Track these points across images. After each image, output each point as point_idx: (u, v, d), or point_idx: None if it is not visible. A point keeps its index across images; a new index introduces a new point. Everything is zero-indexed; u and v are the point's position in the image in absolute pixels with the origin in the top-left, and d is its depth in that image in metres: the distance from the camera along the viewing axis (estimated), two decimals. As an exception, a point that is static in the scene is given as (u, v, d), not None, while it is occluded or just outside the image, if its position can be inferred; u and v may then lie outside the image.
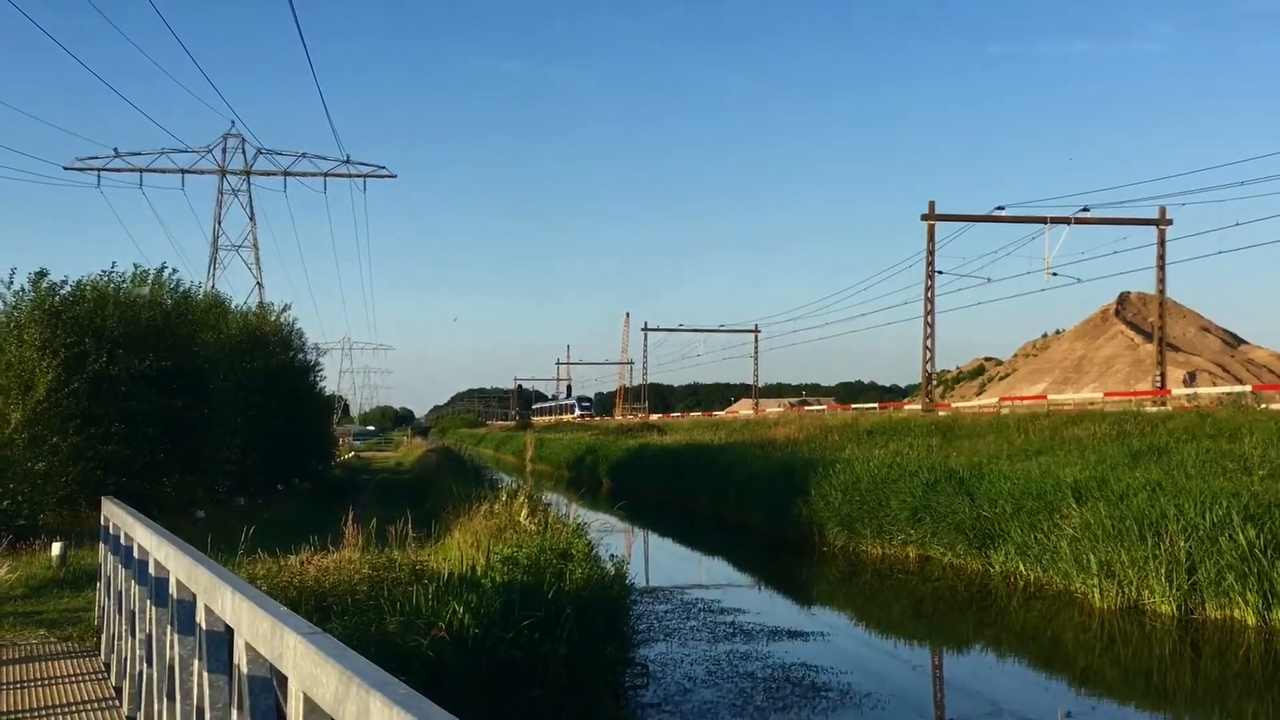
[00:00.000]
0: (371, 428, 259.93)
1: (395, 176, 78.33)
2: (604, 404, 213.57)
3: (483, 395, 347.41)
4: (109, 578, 14.80)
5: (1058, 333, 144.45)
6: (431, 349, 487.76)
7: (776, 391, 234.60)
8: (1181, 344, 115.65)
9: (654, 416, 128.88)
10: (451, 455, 74.87)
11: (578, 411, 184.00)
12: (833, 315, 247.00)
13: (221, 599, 7.08)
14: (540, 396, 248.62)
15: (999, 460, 36.07)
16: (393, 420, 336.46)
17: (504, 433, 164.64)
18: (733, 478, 47.18)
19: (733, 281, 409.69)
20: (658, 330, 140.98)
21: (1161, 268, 70.52)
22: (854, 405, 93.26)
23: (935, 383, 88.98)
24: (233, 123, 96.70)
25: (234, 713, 6.71)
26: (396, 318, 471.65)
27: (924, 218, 70.55)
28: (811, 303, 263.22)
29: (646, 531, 46.45)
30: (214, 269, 77.71)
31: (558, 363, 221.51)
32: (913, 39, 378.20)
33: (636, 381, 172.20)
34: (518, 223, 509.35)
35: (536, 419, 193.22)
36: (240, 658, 6.52)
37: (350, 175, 78.10)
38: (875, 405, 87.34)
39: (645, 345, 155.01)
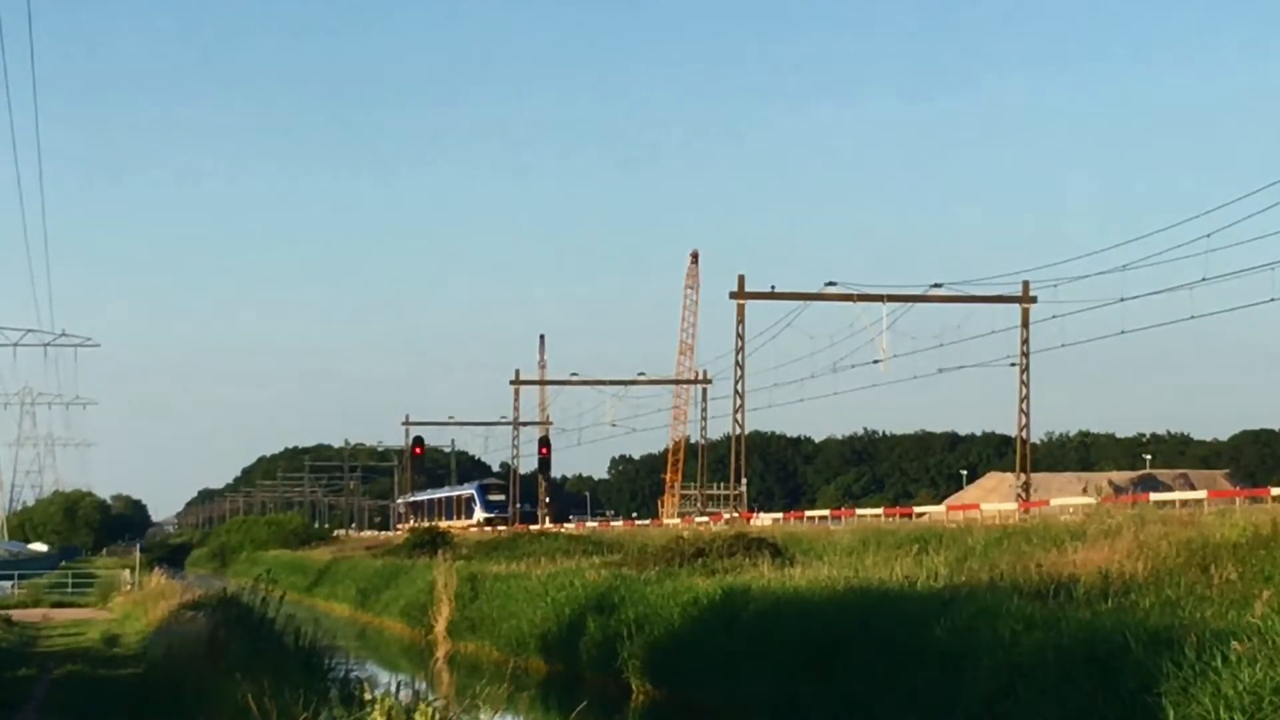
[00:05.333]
0: (40, 547, 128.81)
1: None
2: (633, 482, 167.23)
3: (322, 463, 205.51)
4: None
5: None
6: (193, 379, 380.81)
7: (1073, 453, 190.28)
8: None
9: (761, 519, 72.51)
10: (246, 618, 32.66)
11: (479, 513, 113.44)
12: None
13: None
14: (473, 466, 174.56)
15: None
16: (96, 529, 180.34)
17: (379, 558, 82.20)
18: (967, 679, 24.10)
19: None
20: (773, 297, 70.52)
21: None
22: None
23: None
24: None
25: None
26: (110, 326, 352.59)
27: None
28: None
29: None
30: None
31: (512, 382, 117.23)
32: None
33: (716, 428, 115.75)
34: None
35: (405, 527, 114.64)
36: None
37: None
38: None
39: (740, 344, 71.57)
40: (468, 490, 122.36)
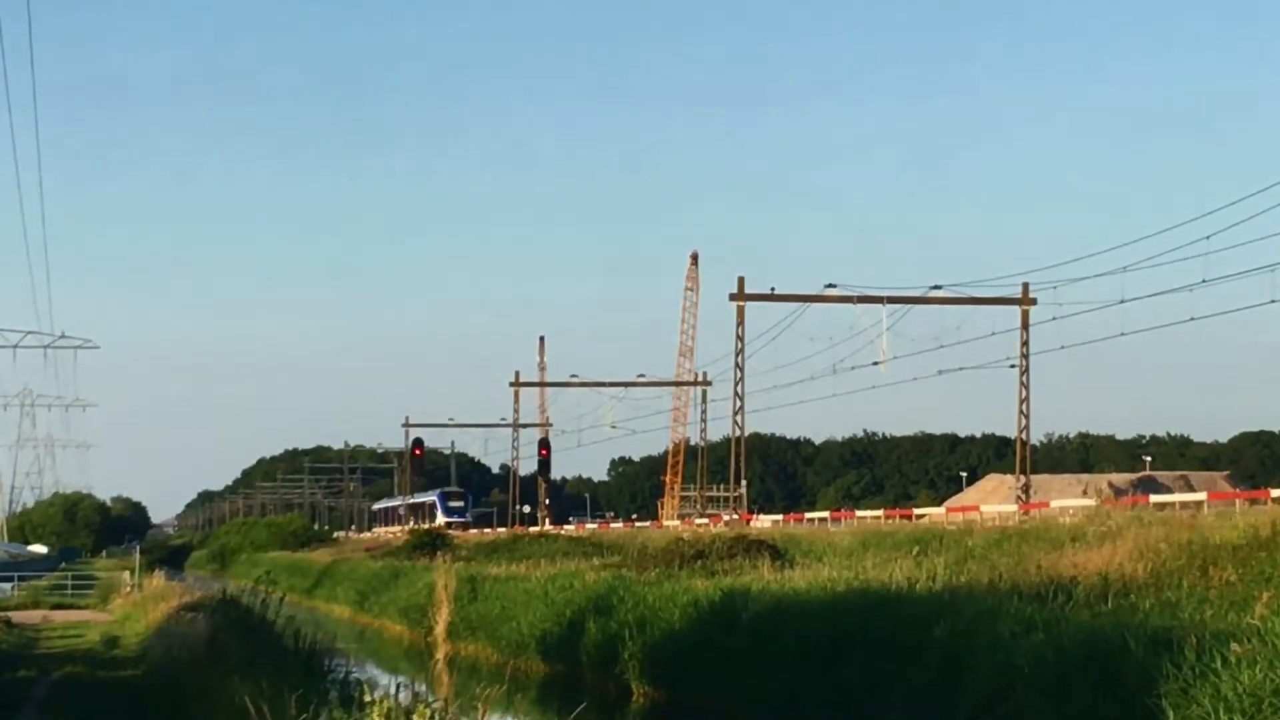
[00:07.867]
0: (40, 548, 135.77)
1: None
2: (633, 484, 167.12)
3: (322, 465, 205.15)
4: None
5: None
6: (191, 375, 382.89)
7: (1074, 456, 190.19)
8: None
9: (761, 521, 75.57)
10: (246, 620, 33.32)
11: (440, 517, 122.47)
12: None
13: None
14: (473, 468, 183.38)
15: None
16: (96, 531, 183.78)
17: (379, 560, 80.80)
18: (966, 681, 24.17)
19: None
20: (773, 299, 70.87)
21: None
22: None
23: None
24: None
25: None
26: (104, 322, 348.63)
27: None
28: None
29: None
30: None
31: (512, 384, 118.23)
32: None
33: (716, 430, 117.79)
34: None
35: (382, 531, 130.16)
36: None
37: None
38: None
39: (740, 346, 71.29)
40: (430, 497, 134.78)
